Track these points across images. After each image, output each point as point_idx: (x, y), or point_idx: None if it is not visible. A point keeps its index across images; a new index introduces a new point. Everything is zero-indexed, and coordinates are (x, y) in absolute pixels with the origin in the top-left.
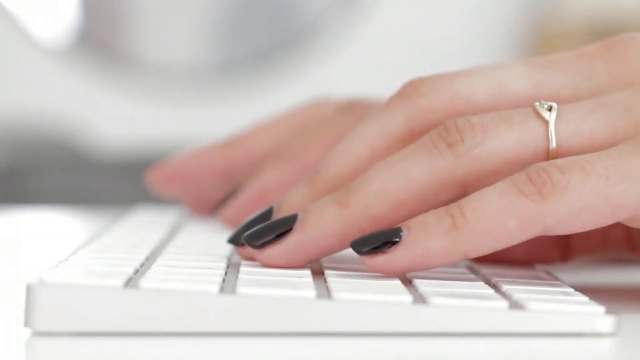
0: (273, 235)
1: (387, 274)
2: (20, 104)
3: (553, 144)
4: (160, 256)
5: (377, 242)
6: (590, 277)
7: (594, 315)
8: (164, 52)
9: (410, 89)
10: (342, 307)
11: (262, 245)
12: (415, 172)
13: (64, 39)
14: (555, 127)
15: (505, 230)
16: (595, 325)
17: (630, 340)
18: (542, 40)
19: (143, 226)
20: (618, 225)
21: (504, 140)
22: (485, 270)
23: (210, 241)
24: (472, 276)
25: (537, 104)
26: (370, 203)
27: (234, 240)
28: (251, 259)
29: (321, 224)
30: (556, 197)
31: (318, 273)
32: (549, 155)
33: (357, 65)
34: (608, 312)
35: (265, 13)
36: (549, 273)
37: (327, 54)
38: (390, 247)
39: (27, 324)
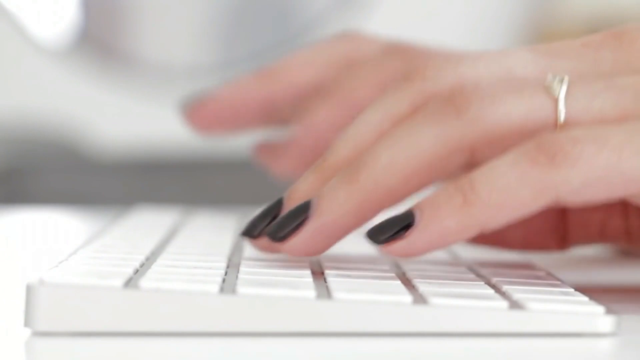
0: (292, 226)
1: (409, 258)
2: (20, 104)
3: (561, 119)
4: (160, 256)
5: (392, 230)
6: (590, 277)
7: (594, 315)
8: (164, 52)
9: (416, 72)
10: (342, 307)
11: (284, 238)
12: (423, 141)
13: (64, 39)
14: (565, 102)
15: (518, 201)
16: (595, 325)
17: (630, 340)
18: (542, 40)
19: (143, 226)
20: (616, 215)
21: (513, 108)
22: (485, 270)
23: (210, 241)
24: (472, 276)
25: (549, 76)
26: (381, 177)
27: (249, 233)
28: (268, 250)
29: (335, 205)
30: (569, 167)
31: (318, 273)
32: (557, 130)
33: None
34: (608, 312)
35: (265, 13)
36: (549, 273)
37: None
38: (406, 231)
39: (27, 324)
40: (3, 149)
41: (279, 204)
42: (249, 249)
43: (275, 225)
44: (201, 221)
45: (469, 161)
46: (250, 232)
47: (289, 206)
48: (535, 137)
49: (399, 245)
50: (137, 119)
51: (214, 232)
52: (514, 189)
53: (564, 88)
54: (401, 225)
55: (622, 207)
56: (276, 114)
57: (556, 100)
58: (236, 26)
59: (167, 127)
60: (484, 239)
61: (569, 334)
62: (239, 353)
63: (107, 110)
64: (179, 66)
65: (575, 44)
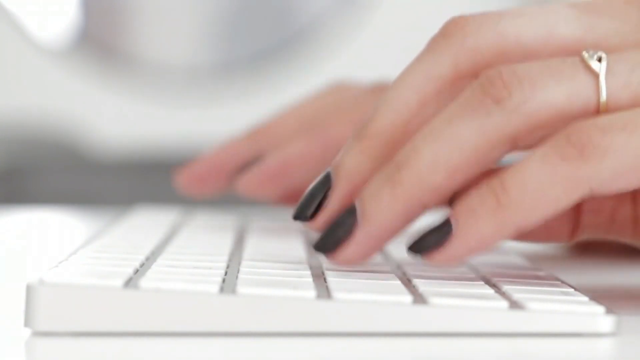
0: (341, 235)
1: (450, 265)
2: (20, 104)
3: (603, 98)
4: (160, 256)
5: (431, 242)
6: (590, 277)
7: (594, 315)
8: (164, 52)
9: (455, 29)
10: (342, 307)
11: (334, 250)
12: (465, 135)
13: (64, 39)
14: (606, 80)
15: (551, 199)
16: (595, 325)
17: (630, 340)
18: None
19: (143, 226)
20: (627, 203)
21: (554, 94)
22: (485, 270)
23: (210, 241)
24: (472, 276)
25: (585, 54)
26: (424, 175)
27: (301, 216)
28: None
29: (382, 209)
30: (598, 158)
31: (318, 273)
32: (599, 109)
33: (358, 65)
34: (608, 312)
35: (265, 13)
36: (549, 273)
37: (327, 54)
38: (444, 241)
39: (27, 324)
40: (3, 149)
41: (327, 180)
42: (249, 249)
43: (323, 241)
44: (201, 221)
45: (513, 149)
46: (303, 214)
47: (338, 181)
48: (564, 129)
49: (440, 256)
50: (137, 119)
51: (214, 232)
52: (545, 188)
53: (604, 65)
54: (440, 237)
55: (633, 194)
56: None
57: (597, 80)
58: (236, 26)
59: (167, 127)
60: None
61: (569, 334)
62: (239, 353)
63: (107, 110)
64: (178, 66)
65: (618, 2)
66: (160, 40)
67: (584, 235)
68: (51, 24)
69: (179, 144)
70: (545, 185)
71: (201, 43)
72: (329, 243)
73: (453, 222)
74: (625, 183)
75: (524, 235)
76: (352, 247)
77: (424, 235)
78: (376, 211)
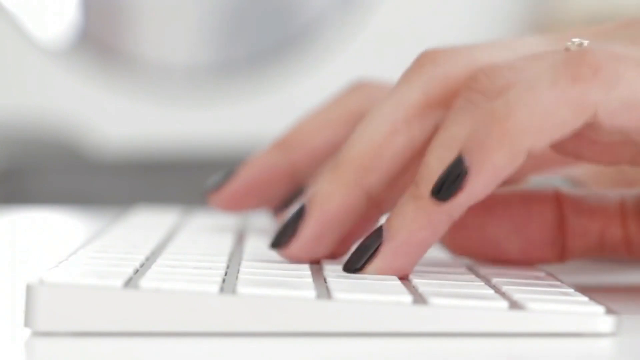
0: (369, 254)
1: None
2: (20, 104)
3: None
4: (160, 256)
5: (447, 186)
6: (590, 277)
7: (594, 315)
8: (164, 52)
9: (426, 59)
10: (342, 307)
11: (363, 266)
12: (463, 135)
13: (64, 39)
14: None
15: (559, 120)
16: (595, 325)
17: (630, 340)
18: None
19: (143, 226)
20: (615, 224)
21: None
22: (485, 270)
23: (210, 241)
24: (472, 276)
25: (568, 42)
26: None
27: (277, 244)
28: (300, 259)
29: (406, 223)
30: (611, 85)
31: (318, 273)
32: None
33: (357, 66)
34: (608, 312)
35: (265, 13)
36: (549, 273)
37: (326, 54)
38: (462, 183)
39: (27, 324)
40: (3, 149)
41: (302, 209)
42: (249, 249)
43: (352, 259)
44: (201, 221)
45: None
46: (278, 242)
47: (311, 209)
48: (574, 51)
49: (463, 195)
50: (137, 119)
51: (214, 232)
52: (554, 110)
53: (586, 42)
54: (457, 175)
55: (621, 216)
56: (299, 179)
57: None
58: (236, 26)
59: (167, 127)
60: (482, 253)
61: (569, 334)
62: (239, 353)
63: (107, 110)
64: (178, 66)
65: (587, 32)
66: (160, 40)
67: (575, 257)
68: (51, 24)
69: (179, 144)
70: (554, 108)
71: (201, 43)
72: (356, 261)
73: (465, 158)
74: (627, 118)
75: (508, 259)
76: (377, 263)
77: (441, 179)
78: (401, 225)
